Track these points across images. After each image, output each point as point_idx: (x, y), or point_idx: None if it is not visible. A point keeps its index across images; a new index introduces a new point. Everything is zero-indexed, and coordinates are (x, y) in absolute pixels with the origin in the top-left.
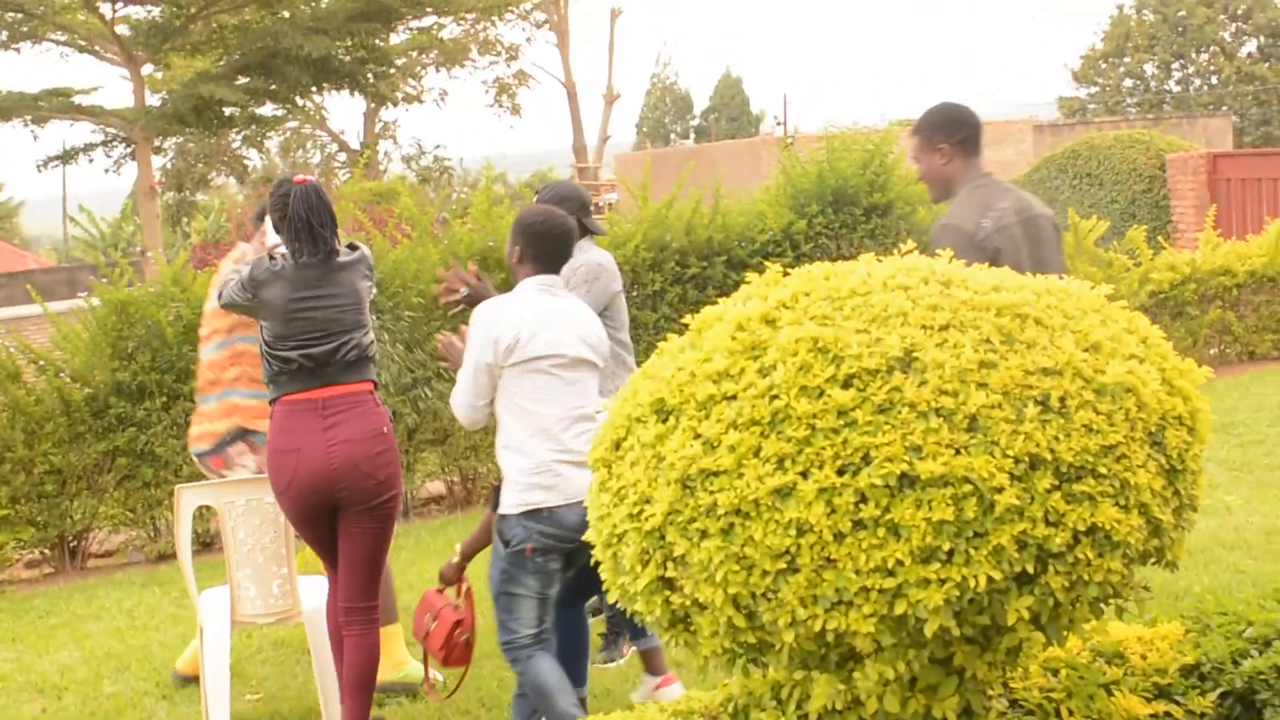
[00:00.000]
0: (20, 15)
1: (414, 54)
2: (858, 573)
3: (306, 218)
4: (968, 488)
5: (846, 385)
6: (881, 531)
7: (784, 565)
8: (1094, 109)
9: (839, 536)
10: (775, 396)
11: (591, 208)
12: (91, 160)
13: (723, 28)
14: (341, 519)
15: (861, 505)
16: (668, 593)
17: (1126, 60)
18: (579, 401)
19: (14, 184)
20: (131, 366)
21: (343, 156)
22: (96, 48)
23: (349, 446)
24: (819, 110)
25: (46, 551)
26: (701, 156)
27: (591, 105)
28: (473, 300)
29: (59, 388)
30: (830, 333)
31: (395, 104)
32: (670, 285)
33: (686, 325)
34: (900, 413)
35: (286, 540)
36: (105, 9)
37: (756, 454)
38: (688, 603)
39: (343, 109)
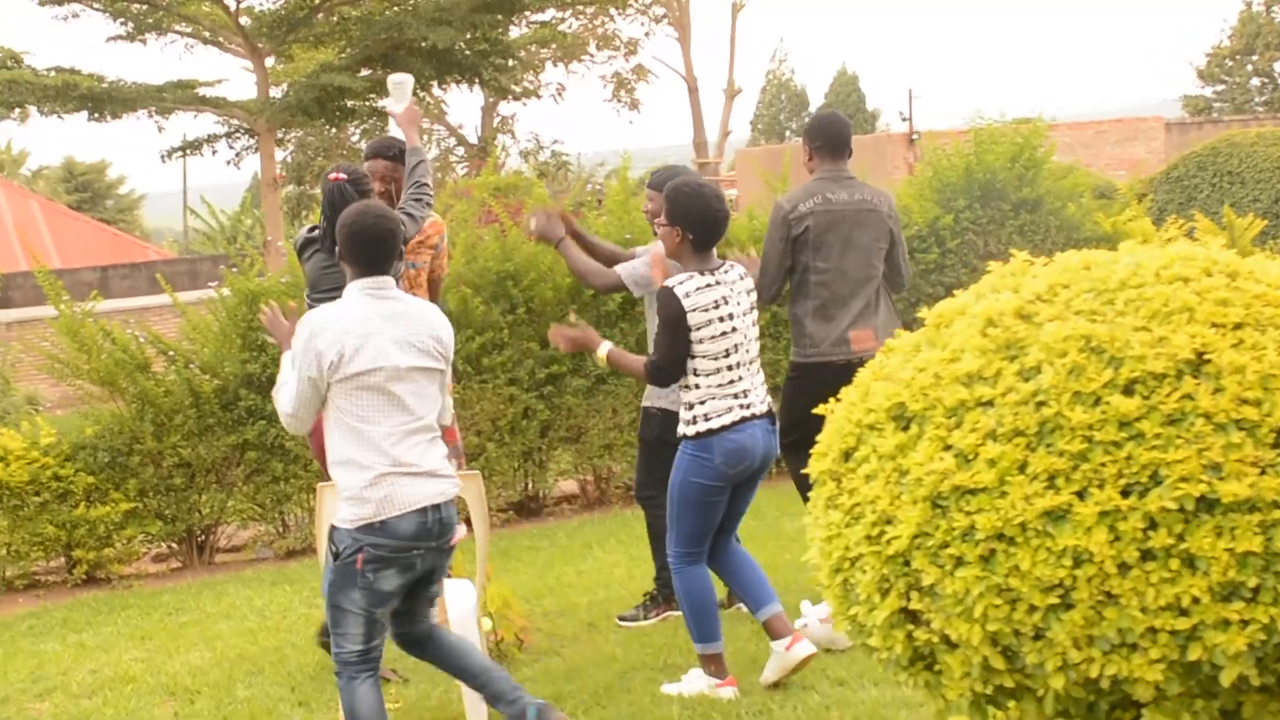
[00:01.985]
0: (146, 7)
1: (532, 48)
2: (1144, 611)
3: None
4: (1277, 514)
5: (1128, 391)
6: (1174, 563)
7: (1056, 600)
8: (1221, 107)
9: (1123, 568)
10: (1042, 403)
11: None
12: (215, 152)
13: (839, 24)
14: None
15: (1150, 532)
16: (910, 627)
17: (1255, 58)
18: (412, 415)
19: (134, 178)
20: (261, 359)
21: (460, 151)
22: (220, 39)
23: None
24: (942, 106)
25: (174, 545)
26: None
27: (710, 100)
28: (540, 237)
29: (188, 379)
30: (1104, 330)
31: (515, 98)
32: None
33: None
34: (1194, 424)
35: None
36: (229, 1)
37: (1022, 470)
38: (934, 639)
39: (460, 103)
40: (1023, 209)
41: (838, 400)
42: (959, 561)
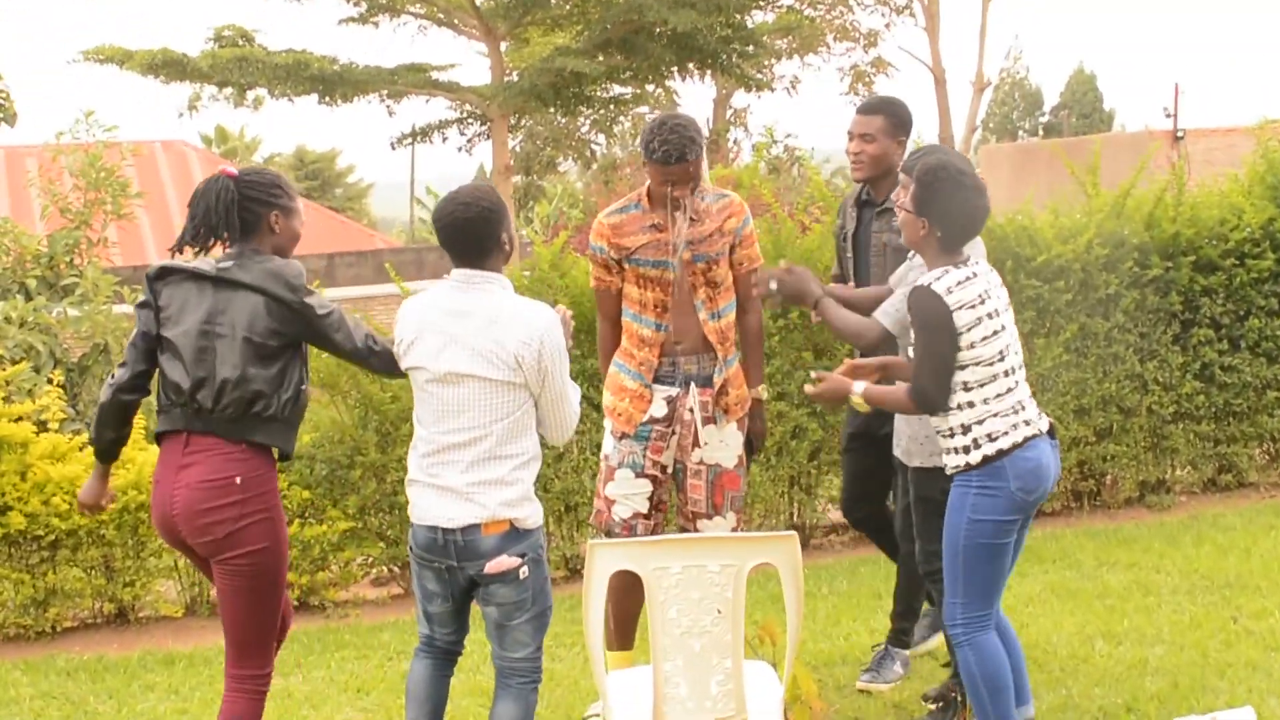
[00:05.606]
0: None
1: (767, 39)
2: None
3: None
4: None
5: None
6: None
7: None
8: None
9: None
10: None
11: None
12: (445, 138)
13: (1081, 18)
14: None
15: None
16: None
17: None
18: (454, 427)
19: (362, 167)
20: None
21: None
22: (455, 21)
23: (189, 492)
24: (1204, 103)
25: (395, 569)
26: (1075, 151)
27: (954, 94)
28: (788, 294)
29: None
30: None
31: (756, 88)
32: (1126, 289)
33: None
34: None
35: (734, 622)
36: None
37: None
38: None
39: (691, 95)
40: None
41: None
42: None
